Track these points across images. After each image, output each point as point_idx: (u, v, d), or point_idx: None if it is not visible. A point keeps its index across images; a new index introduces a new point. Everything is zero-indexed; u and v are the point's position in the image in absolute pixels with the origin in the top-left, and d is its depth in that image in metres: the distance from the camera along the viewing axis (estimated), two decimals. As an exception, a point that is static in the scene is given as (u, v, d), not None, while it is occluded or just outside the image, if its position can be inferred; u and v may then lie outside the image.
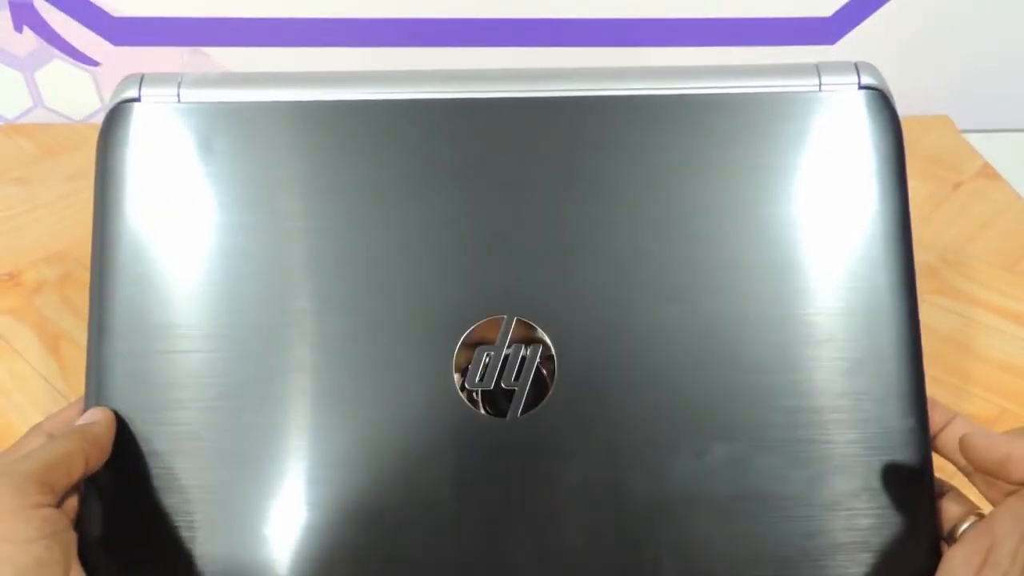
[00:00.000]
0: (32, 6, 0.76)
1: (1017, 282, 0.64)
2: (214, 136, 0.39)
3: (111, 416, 0.37)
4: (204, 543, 0.37)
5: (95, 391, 0.38)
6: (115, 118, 0.39)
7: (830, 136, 0.39)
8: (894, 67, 0.40)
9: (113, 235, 0.38)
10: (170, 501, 0.37)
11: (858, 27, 0.80)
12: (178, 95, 0.39)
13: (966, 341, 0.59)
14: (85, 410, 0.38)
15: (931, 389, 0.38)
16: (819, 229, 0.39)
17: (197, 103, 0.39)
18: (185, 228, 0.39)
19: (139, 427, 0.38)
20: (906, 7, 0.79)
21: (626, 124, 0.39)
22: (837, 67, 0.40)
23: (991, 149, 0.80)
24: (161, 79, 0.40)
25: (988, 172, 0.77)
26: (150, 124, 0.39)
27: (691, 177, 0.39)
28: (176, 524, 0.37)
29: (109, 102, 0.40)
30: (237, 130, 0.39)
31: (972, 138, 0.82)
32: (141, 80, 0.40)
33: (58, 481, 0.34)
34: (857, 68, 0.40)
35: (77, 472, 0.35)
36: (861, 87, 0.40)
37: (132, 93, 0.39)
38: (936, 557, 0.36)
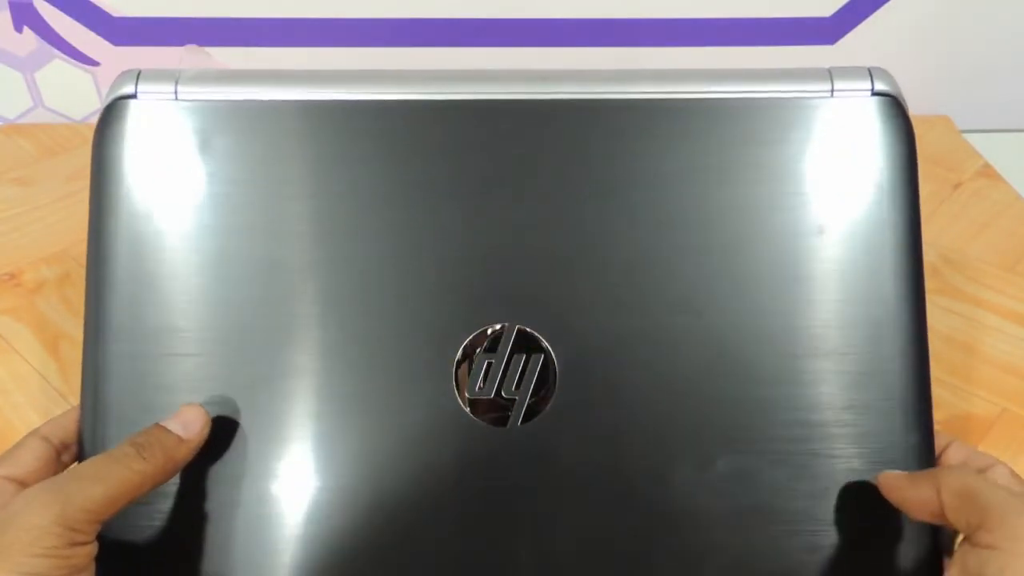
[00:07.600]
0: (32, 6, 0.76)
1: (1018, 282, 0.64)
2: (212, 134, 0.38)
3: (208, 423, 0.35)
4: (198, 549, 0.36)
5: (91, 394, 0.37)
6: (111, 114, 0.38)
7: (842, 143, 0.38)
8: (894, 67, 0.39)
9: (109, 234, 0.38)
10: (164, 506, 0.37)
11: (858, 27, 0.80)
12: (175, 92, 0.38)
13: (967, 341, 0.58)
14: (81, 413, 0.37)
15: (932, 389, 0.38)
16: (829, 238, 0.38)
17: (195, 100, 0.38)
18: (182, 227, 0.38)
19: (134, 431, 0.36)
20: (906, 7, 0.79)
21: (633, 128, 0.38)
22: (849, 72, 0.39)
23: (991, 149, 0.80)
24: (158, 75, 0.39)
25: (988, 172, 0.77)
26: (147, 121, 0.38)
27: (698, 183, 0.38)
28: (171, 528, 0.37)
29: (105, 98, 0.39)
30: (235, 128, 0.38)
31: (972, 138, 0.82)
32: (138, 76, 0.39)
33: (112, 512, 0.31)
34: (871, 73, 0.39)
35: (136, 496, 0.32)
36: (874, 93, 0.38)
37: (129, 89, 0.39)
38: (939, 573, 0.36)
